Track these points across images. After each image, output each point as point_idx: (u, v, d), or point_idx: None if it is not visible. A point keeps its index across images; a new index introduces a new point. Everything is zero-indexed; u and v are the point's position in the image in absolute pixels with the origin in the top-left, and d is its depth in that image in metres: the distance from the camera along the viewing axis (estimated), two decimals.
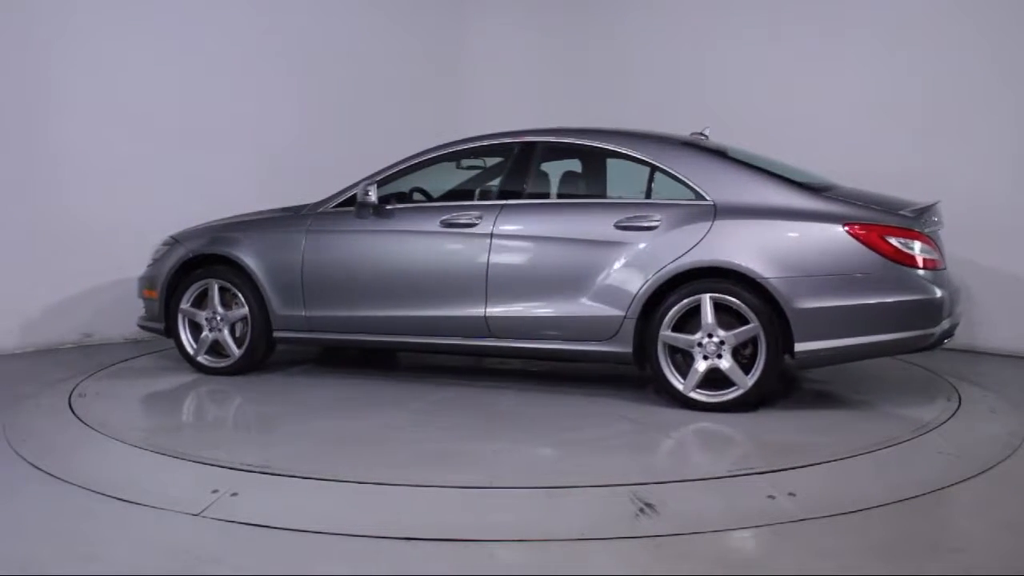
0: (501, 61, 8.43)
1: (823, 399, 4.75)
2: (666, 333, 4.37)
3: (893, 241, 4.20)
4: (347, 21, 7.79)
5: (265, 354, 5.34)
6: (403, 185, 5.28)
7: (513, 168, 4.96)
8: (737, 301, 4.26)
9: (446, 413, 4.44)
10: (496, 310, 4.71)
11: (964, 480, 3.39)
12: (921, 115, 6.22)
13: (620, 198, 4.83)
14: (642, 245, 4.46)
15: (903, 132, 6.28)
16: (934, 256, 4.29)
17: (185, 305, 5.33)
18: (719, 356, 4.30)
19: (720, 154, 4.72)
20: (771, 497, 3.17)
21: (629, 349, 4.47)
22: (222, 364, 5.27)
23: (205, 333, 5.29)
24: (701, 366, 4.31)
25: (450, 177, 5.29)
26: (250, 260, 5.22)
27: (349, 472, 3.43)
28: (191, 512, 3.03)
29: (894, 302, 4.18)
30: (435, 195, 5.29)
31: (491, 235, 4.75)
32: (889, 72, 6.36)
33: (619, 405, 4.52)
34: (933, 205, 4.57)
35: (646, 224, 4.47)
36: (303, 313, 5.13)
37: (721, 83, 7.14)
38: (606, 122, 5.19)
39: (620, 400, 4.60)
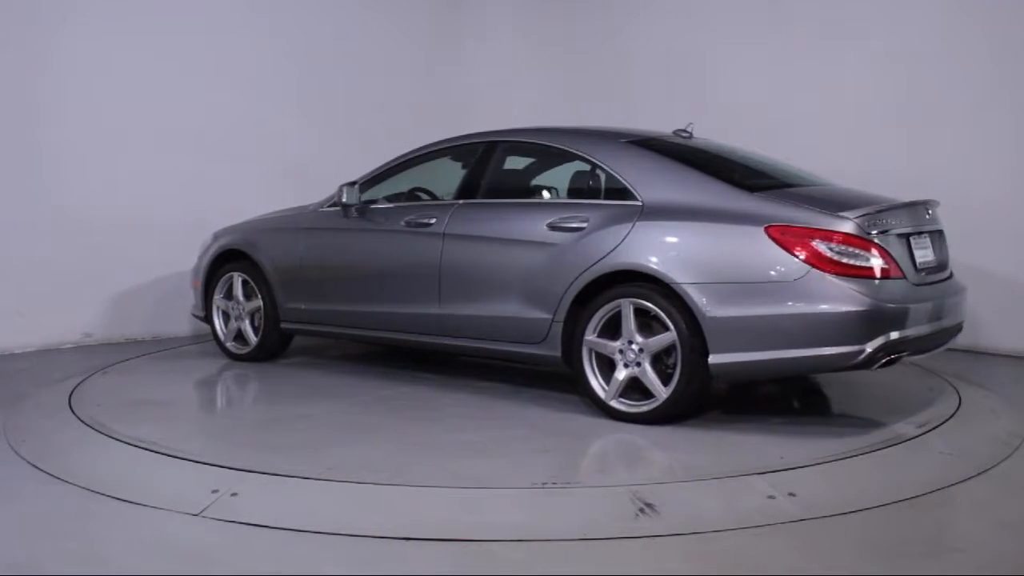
0: (501, 61, 8.43)
1: (806, 404, 4.74)
2: (590, 338, 4.19)
3: (817, 245, 3.80)
4: (347, 21, 7.79)
5: (279, 344, 5.68)
6: (401, 185, 5.35)
7: (472, 168, 5.00)
8: (654, 307, 4.01)
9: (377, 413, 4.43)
10: (448, 309, 4.76)
11: (964, 480, 3.39)
12: (921, 115, 6.21)
13: (557, 198, 4.79)
14: (569, 247, 4.31)
15: (903, 132, 6.28)
16: (872, 263, 3.82)
17: (217, 296, 5.79)
18: (638, 364, 4.08)
19: (668, 152, 4.49)
20: (771, 497, 3.17)
21: (558, 353, 4.35)
22: (243, 352, 5.70)
23: (232, 322, 5.74)
24: (621, 374, 4.10)
25: (452, 177, 5.29)
26: (261, 255, 5.57)
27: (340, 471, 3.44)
28: (191, 512, 3.03)
29: (814, 314, 3.76)
30: (436, 194, 5.31)
31: (443, 235, 4.80)
32: (889, 72, 6.36)
33: (534, 410, 4.39)
34: (896, 207, 4.13)
35: (574, 225, 4.33)
36: (302, 306, 5.40)
37: (721, 82, 7.14)
38: (604, 122, 5.18)
39: (540, 405, 4.47)
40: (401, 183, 5.38)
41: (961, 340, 4.79)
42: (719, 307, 3.87)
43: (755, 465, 3.47)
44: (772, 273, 3.82)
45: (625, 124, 5.16)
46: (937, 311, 4.11)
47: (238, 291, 5.67)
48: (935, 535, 2.95)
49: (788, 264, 3.80)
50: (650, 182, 4.29)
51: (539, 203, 4.80)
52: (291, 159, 7.29)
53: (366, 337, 5.29)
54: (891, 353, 3.82)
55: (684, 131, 4.89)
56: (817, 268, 3.76)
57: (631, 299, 4.08)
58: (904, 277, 3.95)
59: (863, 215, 3.91)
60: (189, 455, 3.60)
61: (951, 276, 4.47)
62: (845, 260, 3.79)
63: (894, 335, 3.79)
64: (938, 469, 3.53)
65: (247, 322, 5.66)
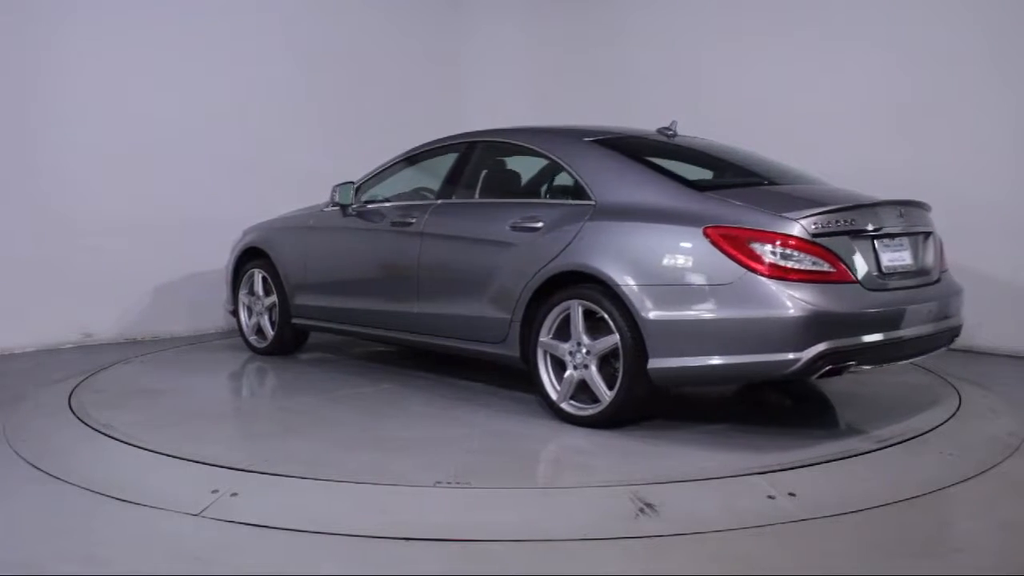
0: (500, 60, 8.44)
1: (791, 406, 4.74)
2: (544, 339, 4.16)
3: (754, 248, 3.66)
4: (347, 20, 7.79)
5: (294, 339, 5.88)
6: (400, 185, 5.40)
7: (452, 168, 5.03)
8: (600, 309, 3.94)
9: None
10: (424, 308, 4.82)
11: (964, 480, 3.38)
12: (922, 115, 6.21)
13: (522, 198, 4.77)
14: (527, 247, 4.29)
15: (904, 132, 6.28)
16: (813, 266, 3.65)
17: (242, 292, 6.03)
18: (586, 367, 4.02)
19: (632, 150, 4.42)
20: (771, 497, 3.17)
21: (517, 354, 4.33)
22: (262, 346, 5.93)
23: (254, 317, 5.96)
24: (570, 376, 4.07)
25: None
26: (275, 253, 5.78)
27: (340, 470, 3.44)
28: (191, 512, 3.03)
29: (747, 319, 3.62)
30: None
31: (421, 234, 4.85)
32: (889, 72, 6.36)
33: (492, 411, 4.38)
34: (858, 207, 3.94)
35: (532, 225, 4.32)
36: (308, 303, 5.57)
37: (721, 80, 7.14)
38: (604, 119, 5.18)
39: (503, 407, 4.45)
40: (399, 182, 5.43)
41: (960, 340, 4.77)
42: (658, 310, 3.78)
43: (755, 465, 3.47)
44: (708, 276, 3.70)
45: (624, 121, 5.16)
46: (911, 317, 3.89)
47: (258, 287, 5.90)
48: (935, 535, 2.95)
49: (724, 267, 3.67)
50: (603, 181, 4.23)
51: (504, 203, 4.75)
52: (291, 159, 7.29)
53: (360, 334, 5.39)
54: (834, 362, 3.63)
55: (668, 129, 4.83)
56: (753, 271, 3.62)
57: (580, 300, 4.03)
58: (856, 282, 3.74)
59: (810, 216, 3.73)
60: (189, 455, 3.60)
61: (939, 280, 4.26)
62: (783, 263, 3.63)
63: (835, 343, 3.59)
64: (938, 469, 3.53)
65: (266, 317, 5.88)
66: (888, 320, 3.82)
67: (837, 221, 3.79)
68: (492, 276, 4.43)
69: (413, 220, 4.91)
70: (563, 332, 4.11)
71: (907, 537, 2.90)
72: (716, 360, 3.71)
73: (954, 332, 4.30)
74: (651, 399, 4.01)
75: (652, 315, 3.78)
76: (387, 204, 5.23)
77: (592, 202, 4.18)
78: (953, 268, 4.54)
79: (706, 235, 3.73)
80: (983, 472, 3.48)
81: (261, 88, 7.21)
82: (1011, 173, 5.92)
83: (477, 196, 4.89)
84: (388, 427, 4.16)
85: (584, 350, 4.02)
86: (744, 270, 3.63)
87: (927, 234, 4.27)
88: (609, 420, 3.98)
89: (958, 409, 4.39)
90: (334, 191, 5.37)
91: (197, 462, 3.53)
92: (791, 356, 3.57)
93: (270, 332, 5.85)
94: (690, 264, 3.77)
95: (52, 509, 3.14)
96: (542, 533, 2.89)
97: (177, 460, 3.57)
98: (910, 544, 2.84)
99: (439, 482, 3.29)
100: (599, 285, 3.96)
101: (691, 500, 3.19)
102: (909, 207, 4.18)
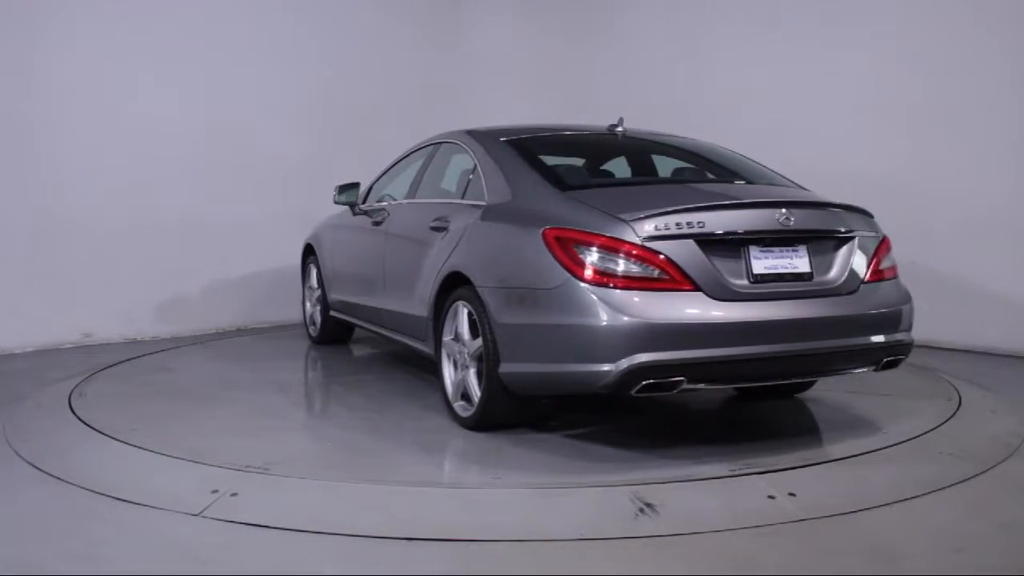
0: (501, 58, 8.44)
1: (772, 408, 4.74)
2: (445, 339, 4.14)
3: (579, 251, 3.46)
4: (348, 20, 7.79)
5: (337, 329, 6.21)
6: (399, 184, 5.47)
7: (418, 169, 5.16)
8: (474, 311, 3.88)
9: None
10: (386, 303, 5.01)
11: (964, 480, 3.38)
12: (922, 115, 6.22)
13: (446, 199, 4.76)
14: (436, 247, 4.34)
15: (904, 132, 6.29)
16: (639, 271, 3.40)
17: (304, 285, 6.54)
18: (467, 368, 3.97)
19: (536, 149, 4.35)
20: (771, 497, 3.17)
21: (432, 351, 4.35)
22: (315, 335, 6.43)
23: (310, 308, 6.46)
24: (456, 377, 4.08)
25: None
26: (318, 249, 6.23)
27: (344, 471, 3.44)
28: (191, 512, 3.03)
29: (565, 326, 3.43)
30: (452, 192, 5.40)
31: (386, 234, 5.04)
32: (889, 72, 6.36)
33: (409, 409, 4.44)
34: (721, 208, 3.60)
35: (442, 225, 4.36)
36: (335, 296, 5.91)
37: (721, 80, 7.15)
38: (603, 117, 5.16)
39: (429, 405, 4.47)
40: (400, 182, 5.46)
41: (961, 340, 4.74)
42: (506, 313, 3.68)
43: (755, 465, 3.47)
44: (542, 280, 3.54)
45: (624, 117, 5.14)
46: (788, 331, 3.50)
47: (313, 281, 6.37)
48: (935, 535, 2.95)
49: (552, 270, 3.50)
50: (494, 182, 4.20)
51: (432, 203, 4.80)
52: (292, 159, 7.30)
53: (363, 327, 5.61)
54: (654, 377, 3.34)
55: (615, 125, 4.71)
56: (574, 276, 3.43)
57: (464, 302, 4.00)
58: (695, 289, 3.42)
59: (647, 218, 3.46)
60: (189, 455, 3.60)
61: (855, 290, 3.73)
62: (605, 268, 3.40)
63: (653, 357, 3.31)
64: (938, 469, 3.53)
65: (318, 309, 6.32)
66: (742, 334, 3.43)
67: (679, 224, 3.47)
68: (417, 275, 4.52)
69: (382, 220, 5.15)
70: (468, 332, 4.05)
71: (907, 537, 2.90)
72: (547, 368, 3.56)
73: (889, 350, 3.76)
74: (523, 405, 3.89)
75: (502, 319, 3.69)
76: (376, 204, 5.43)
77: (484, 203, 4.16)
78: (953, 268, 4.50)
79: (543, 237, 3.58)
80: (983, 472, 3.48)
81: (261, 88, 7.21)
82: (1014, 173, 5.91)
83: (420, 196, 5.03)
84: (298, 418, 4.48)
85: (466, 351, 3.99)
86: (567, 274, 3.45)
87: (842, 240, 3.78)
88: (478, 424, 3.92)
89: (958, 409, 4.39)
90: (336, 189, 5.63)
91: (197, 462, 3.53)
92: (605, 368, 3.34)
93: (319, 322, 6.30)
94: (530, 267, 3.62)
95: (52, 509, 3.14)
96: (542, 533, 2.89)
97: (177, 460, 3.57)
98: (910, 544, 2.84)
99: (248, 466, 3.44)
100: (472, 287, 3.92)
101: (691, 500, 3.19)
102: (813, 209, 3.79)
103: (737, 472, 3.41)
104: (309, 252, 6.44)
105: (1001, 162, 5.94)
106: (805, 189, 4.32)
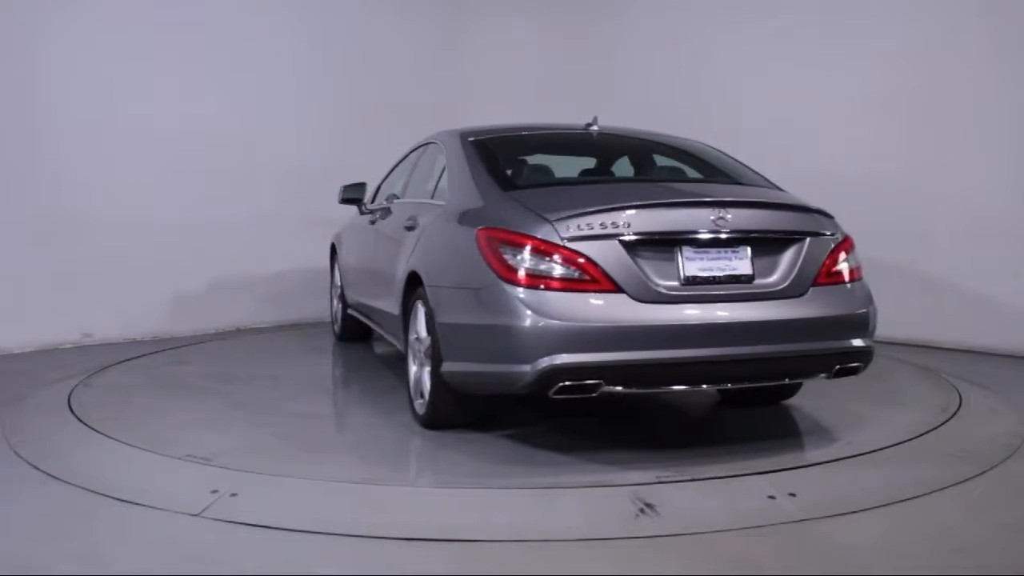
0: (501, 58, 8.44)
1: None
2: (410, 338, 4.17)
3: (503, 251, 3.45)
4: (348, 20, 7.79)
5: (357, 327, 6.18)
6: (399, 184, 5.51)
7: (411, 169, 5.22)
8: (428, 309, 3.89)
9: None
10: (376, 302, 5.09)
11: (964, 480, 3.38)
12: (922, 116, 6.22)
13: (422, 198, 4.73)
14: (406, 246, 4.37)
15: (904, 132, 6.29)
16: (555, 271, 3.36)
17: (331, 283, 6.71)
18: (422, 366, 3.97)
19: (498, 149, 4.35)
20: (771, 497, 3.17)
21: (404, 348, 4.38)
22: (338, 332, 6.57)
23: (336, 306, 6.60)
24: (414, 373, 4.10)
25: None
26: (339, 248, 6.41)
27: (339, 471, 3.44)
28: (191, 512, 3.03)
29: (486, 326, 3.46)
30: None
31: (376, 232, 5.16)
32: (889, 71, 6.36)
33: (370, 409, 4.49)
34: (646, 207, 3.52)
35: (412, 225, 4.40)
36: (349, 294, 6.07)
37: (721, 80, 7.15)
38: (602, 118, 5.16)
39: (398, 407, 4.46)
40: (399, 181, 5.49)
41: (961, 340, 4.73)
42: (446, 312, 3.72)
43: (755, 465, 3.47)
44: (474, 279, 3.55)
45: (625, 115, 5.16)
46: (721, 335, 3.41)
47: (337, 279, 6.52)
48: (935, 535, 2.95)
49: (482, 271, 3.50)
50: (453, 182, 4.22)
51: (409, 203, 4.87)
52: (292, 159, 7.30)
53: (369, 325, 5.66)
54: (571, 379, 3.30)
55: (590, 124, 4.69)
56: (500, 276, 3.42)
57: (420, 301, 4.02)
58: (617, 291, 3.36)
59: (568, 218, 3.42)
60: (189, 455, 3.60)
61: (803, 294, 3.59)
62: (526, 268, 3.39)
63: (570, 359, 3.28)
64: (938, 469, 3.53)
65: (340, 307, 6.47)
66: (667, 337, 3.35)
67: (603, 224, 3.41)
68: (393, 274, 4.57)
69: (375, 220, 5.24)
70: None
71: (907, 537, 2.89)
72: (478, 368, 3.56)
73: (842, 357, 3.61)
74: (469, 404, 3.90)
75: (442, 318, 3.73)
76: (374, 205, 5.53)
77: (443, 202, 4.18)
78: (954, 268, 4.50)
79: (475, 238, 3.59)
80: (983, 472, 3.47)
81: (262, 88, 7.21)
82: (1013, 174, 5.92)
83: (408, 196, 5.09)
84: (262, 416, 4.40)
85: (422, 349, 4.00)
86: (493, 274, 3.45)
87: (789, 241, 3.65)
88: (431, 422, 3.94)
89: (958, 409, 4.39)
90: (341, 191, 5.74)
91: (197, 462, 3.53)
92: (524, 368, 3.32)
93: (340, 320, 6.47)
94: (466, 267, 3.62)
95: (52, 509, 3.14)
96: (542, 533, 2.89)
97: (177, 460, 3.57)
98: (910, 544, 2.84)
99: (189, 455, 3.55)
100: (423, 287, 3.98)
101: (691, 500, 3.19)
102: (757, 209, 3.68)
103: (737, 472, 3.41)
104: (334, 251, 6.61)
105: (1001, 162, 5.94)
106: (778, 189, 4.16)
